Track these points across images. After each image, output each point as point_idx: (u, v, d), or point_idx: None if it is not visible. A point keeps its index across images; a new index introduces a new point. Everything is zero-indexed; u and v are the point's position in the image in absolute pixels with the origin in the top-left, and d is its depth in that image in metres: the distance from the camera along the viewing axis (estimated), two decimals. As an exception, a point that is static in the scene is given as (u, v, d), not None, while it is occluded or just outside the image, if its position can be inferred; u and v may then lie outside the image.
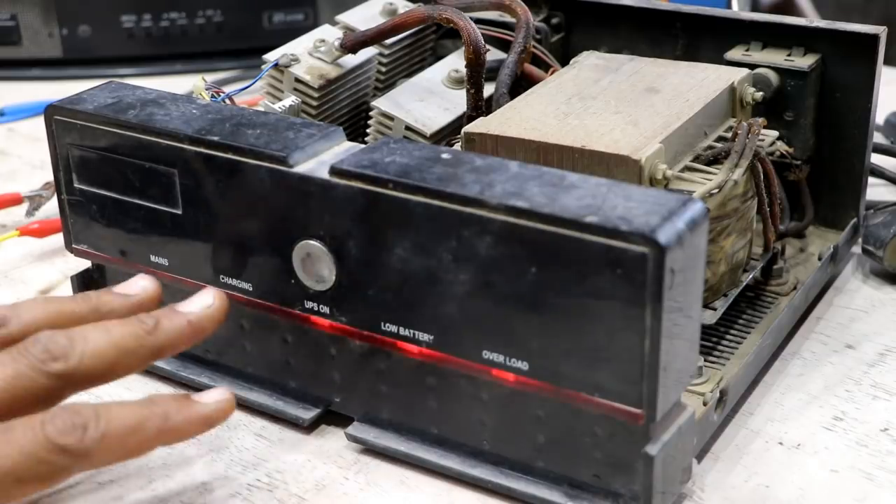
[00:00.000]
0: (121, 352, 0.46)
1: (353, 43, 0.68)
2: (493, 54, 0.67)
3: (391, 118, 0.66)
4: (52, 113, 0.58)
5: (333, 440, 0.56)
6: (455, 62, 0.70)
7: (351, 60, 0.69)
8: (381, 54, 0.71)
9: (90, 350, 0.45)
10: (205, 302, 0.50)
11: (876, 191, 0.79)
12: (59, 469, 0.43)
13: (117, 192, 0.58)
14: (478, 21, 0.66)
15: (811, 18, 0.85)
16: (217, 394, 0.48)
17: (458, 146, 0.59)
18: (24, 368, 0.44)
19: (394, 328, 0.51)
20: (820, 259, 0.67)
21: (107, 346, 0.46)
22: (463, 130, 0.58)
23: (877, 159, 0.78)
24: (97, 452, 0.43)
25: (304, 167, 0.52)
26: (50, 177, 0.69)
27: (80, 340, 0.45)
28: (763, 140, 0.61)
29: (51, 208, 0.78)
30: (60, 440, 0.42)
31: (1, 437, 0.42)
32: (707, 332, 0.60)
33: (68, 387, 0.45)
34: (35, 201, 0.78)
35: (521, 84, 0.65)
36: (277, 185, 0.52)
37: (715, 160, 0.58)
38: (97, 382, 0.46)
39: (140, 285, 0.51)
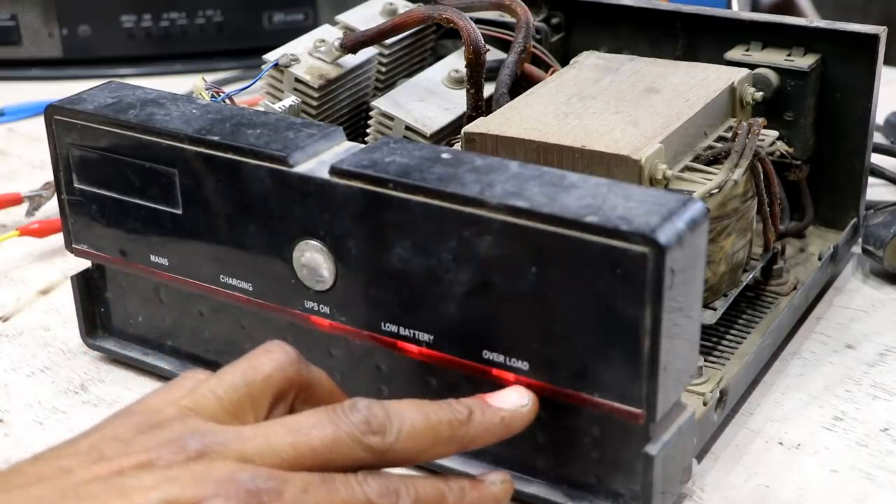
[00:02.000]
0: (434, 439, 0.46)
1: (353, 43, 0.68)
2: (493, 54, 0.67)
3: (391, 118, 0.66)
4: (52, 113, 0.58)
5: (333, 440, 0.56)
6: (455, 62, 0.70)
7: (351, 60, 0.69)
8: (381, 54, 0.71)
9: (406, 431, 0.45)
10: (519, 401, 0.49)
11: (876, 191, 0.79)
12: None
13: (117, 192, 0.58)
14: (478, 21, 0.66)
15: (811, 18, 0.85)
16: (501, 476, 0.48)
17: (458, 146, 0.59)
18: (343, 435, 0.44)
19: (394, 328, 0.51)
20: (820, 259, 0.67)
21: (423, 429, 0.46)
22: (463, 130, 0.58)
23: (877, 159, 0.78)
24: None
25: (304, 167, 0.52)
26: (50, 177, 0.69)
27: (398, 418, 0.45)
28: (763, 140, 0.61)
29: (51, 208, 0.78)
30: (377, 500, 0.44)
31: (323, 487, 0.43)
32: (707, 332, 0.60)
33: (378, 463, 0.45)
34: (35, 201, 0.79)
35: (521, 84, 0.65)
36: (277, 185, 0.52)
37: (715, 160, 0.58)
38: (404, 464, 0.46)
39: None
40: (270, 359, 0.47)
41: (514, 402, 0.48)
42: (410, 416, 0.46)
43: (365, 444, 0.44)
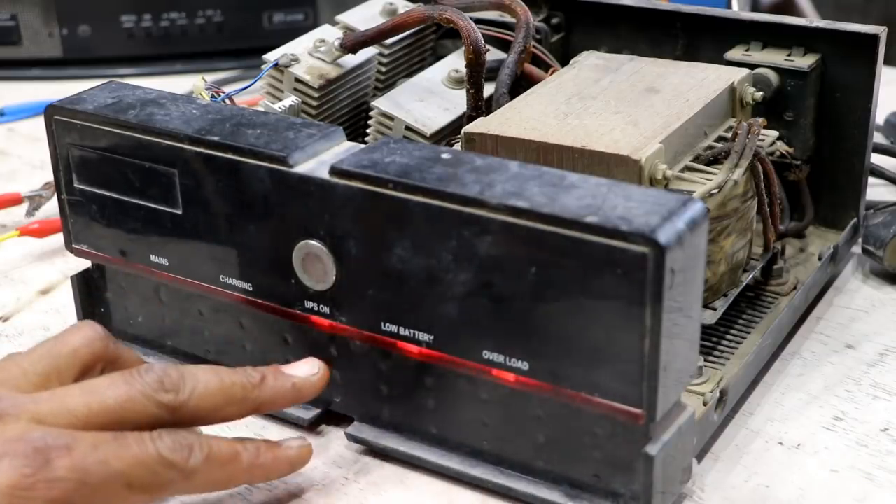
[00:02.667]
0: (227, 398, 0.49)
1: (353, 43, 0.68)
2: (493, 54, 0.67)
3: (391, 118, 0.66)
4: (52, 113, 0.58)
5: (333, 440, 0.56)
6: (455, 62, 0.70)
7: (351, 60, 0.69)
8: (381, 54, 0.71)
9: (200, 390, 0.48)
10: (311, 370, 0.52)
11: (876, 191, 0.79)
12: (163, 483, 0.46)
13: (117, 192, 0.58)
14: (478, 21, 0.66)
15: (811, 18, 0.85)
16: (300, 441, 0.52)
17: (458, 146, 0.59)
18: (136, 393, 0.46)
19: (394, 328, 0.51)
20: (820, 259, 0.67)
21: (216, 389, 0.48)
22: (463, 130, 0.58)
23: (877, 159, 0.78)
24: (198, 474, 0.46)
25: (304, 167, 0.52)
26: (50, 177, 0.69)
27: (191, 378, 0.48)
28: (763, 140, 0.61)
29: (51, 208, 0.78)
30: (169, 455, 0.45)
31: (114, 443, 0.45)
32: (707, 332, 0.60)
33: (172, 421, 0.47)
34: (35, 201, 0.78)
35: (521, 84, 0.65)
36: (277, 186, 0.52)
37: (715, 160, 0.58)
38: (198, 423, 0.48)
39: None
40: (79, 334, 0.50)
41: (305, 371, 0.52)
42: (205, 377, 0.48)
43: (157, 401, 0.47)
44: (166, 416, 0.47)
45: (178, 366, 0.48)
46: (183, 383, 0.48)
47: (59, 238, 0.66)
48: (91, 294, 0.63)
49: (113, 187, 0.58)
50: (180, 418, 0.47)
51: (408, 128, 0.66)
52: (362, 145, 0.53)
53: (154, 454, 0.45)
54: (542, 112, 0.59)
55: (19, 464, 0.42)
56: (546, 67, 0.68)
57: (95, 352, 0.49)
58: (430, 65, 0.73)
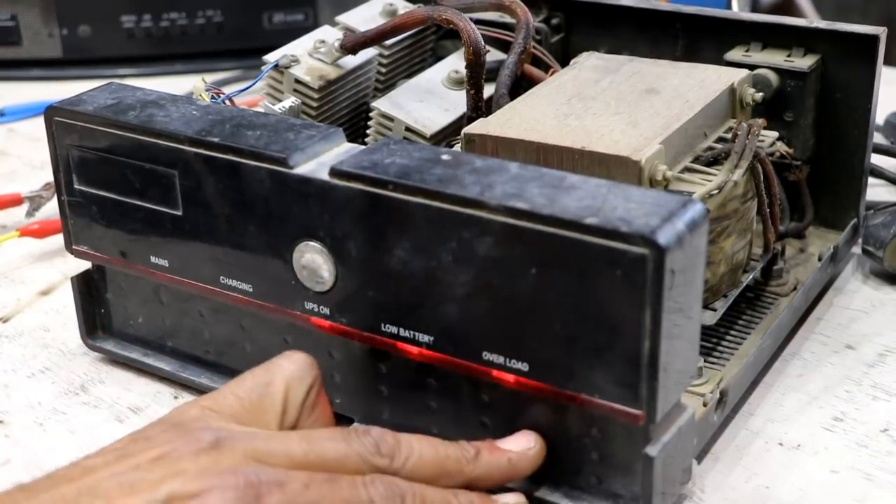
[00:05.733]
0: (440, 471, 0.48)
1: (353, 44, 0.68)
2: (493, 55, 0.67)
3: (391, 119, 0.66)
4: (53, 114, 0.58)
5: (334, 441, 0.56)
6: (455, 63, 0.70)
7: (351, 61, 0.69)
8: (381, 55, 0.71)
9: (414, 459, 0.47)
10: (526, 444, 0.50)
11: (876, 191, 0.79)
12: None
13: (117, 193, 0.58)
14: (478, 22, 0.66)
15: (811, 19, 0.85)
16: (516, 497, 0.50)
17: (457, 147, 0.59)
18: (353, 453, 0.46)
19: (394, 329, 0.51)
20: (820, 259, 0.67)
21: (430, 461, 0.47)
22: (463, 131, 0.58)
23: (877, 159, 0.78)
24: None
25: (304, 168, 0.52)
26: (50, 177, 0.69)
27: (407, 446, 0.47)
28: (763, 140, 0.61)
29: (51, 209, 0.78)
30: (380, 502, 0.44)
31: (327, 484, 0.44)
32: (707, 332, 0.60)
33: None
34: (35, 202, 0.79)
35: (521, 85, 0.65)
36: (277, 187, 0.52)
37: (715, 161, 0.58)
38: None
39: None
40: (292, 366, 0.49)
41: (521, 445, 0.50)
42: (420, 446, 0.48)
43: (373, 465, 0.46)
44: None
45: (396, 433, 0.47)
46: (399, 450, 0.47)
47: (59, 239, 0.66)
48: (91, 295, 0.63)
49: (113, 188, 0.58)
50: None
51: (408, 129, 0.66)
52: (362, 146, 0.53)
53: (366, 499, 0.44)
54: (541, 113, 0.59)
55: (230, 496, 0.41)
56: (546, 68, 0.68)
57: (307, 383, 0.49)
58: (430, 65, 0.73)
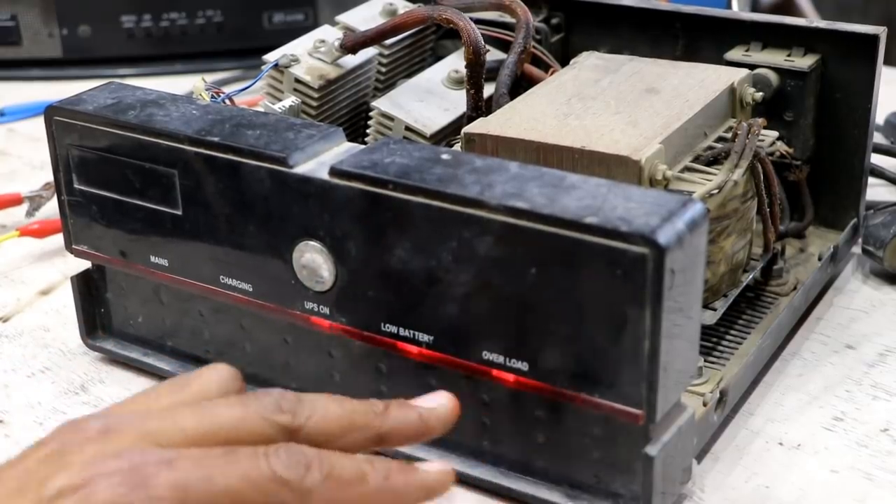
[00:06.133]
0: (347, 424, 0.45)
1: (353, 43, 0.68)
2: (493, 55, 0.67)
3: (391, 118, 0.66)
4: (52, 113, 0.58)
5: (333, 441, 0.56)
6: (455, 62, 0.70)
7: (351, 61, 0.69)
8: (381, 55, 0.71)
9: (319, 413, 0.45)
10: (439, 401, 0.48)
11: (876, 191, 0.79)
12: (273, 501, 0.42)
13: (117, 192, 0.58)
14: (478, 21, 0.66)
15: (811, 18, 0.85)
16: (440, 465, 0.46)
17: (457, 147, 0.59)
18: (251, 413, 0.43)
19: (394, 329, 0.51)
20: (820, 259, 0.67)
21: (336, 415, 0.45)
22: (463, 131, 0.58)
23: (877, 159, 0.78)
24: (315, 495, 0.42)
25: (304, 168, 0.52)
26: (50, 177, 0.69)
27: (310, 403, 0.45)
28: (763, 140, 0.61)
29: (51, 208, 0.78)
30: (283, 473, 0.41)
31: (224, 459, 0.41)
32: (707, 332, 0.60)
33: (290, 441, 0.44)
34: (35, 201, 0.79)
35: (521, 84, 0.65)
36: (277, 186, 0.52)
37: (715, 160, 0.58)
38: (318, 447, 0.44)
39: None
40: (212, 370, 0.47)
41: (433, 401, 0.48)
42: (324, 401, 0.45)
43: (273, 422, 0.43)
44: (282, 439, 0.43)
45: (299, 393, 0.45)
46: (301, 406, 0.44)
47: (59, 238, 0.66)
48: (91, 294, 0.63)
49: (113, 188, 0.58)
50: (298, 441, 0.44)
51: (408, 128, 0.66)
52: (362, 146, 0.53)
53: (265, 470, 0.41)
54: (541, 112, 0.59)
55: (115, 482, 0.39)
56: (546, 68, 0.68)
57: (226, 392, 0.46)
58: (430, 65, 0.73)
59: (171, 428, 0.42)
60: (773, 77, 0.67)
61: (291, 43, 0.70)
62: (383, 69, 0.72)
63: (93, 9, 1.09)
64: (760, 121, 0.60)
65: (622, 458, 0.49)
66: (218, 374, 0.46)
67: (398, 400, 0.47)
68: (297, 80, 0.67)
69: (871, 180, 0.73)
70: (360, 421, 0.45)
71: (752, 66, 0.67)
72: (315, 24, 1.07)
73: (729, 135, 0.61)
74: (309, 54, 0.69)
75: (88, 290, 0.63)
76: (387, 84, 0.73)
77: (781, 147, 0.64)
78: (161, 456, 0.41)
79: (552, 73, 0.66)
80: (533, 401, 0.50)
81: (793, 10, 1.61)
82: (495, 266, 0.47)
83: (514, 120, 0.58)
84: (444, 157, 0.50)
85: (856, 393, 0.60)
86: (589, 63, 0.66)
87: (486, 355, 0.49)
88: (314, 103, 0.67)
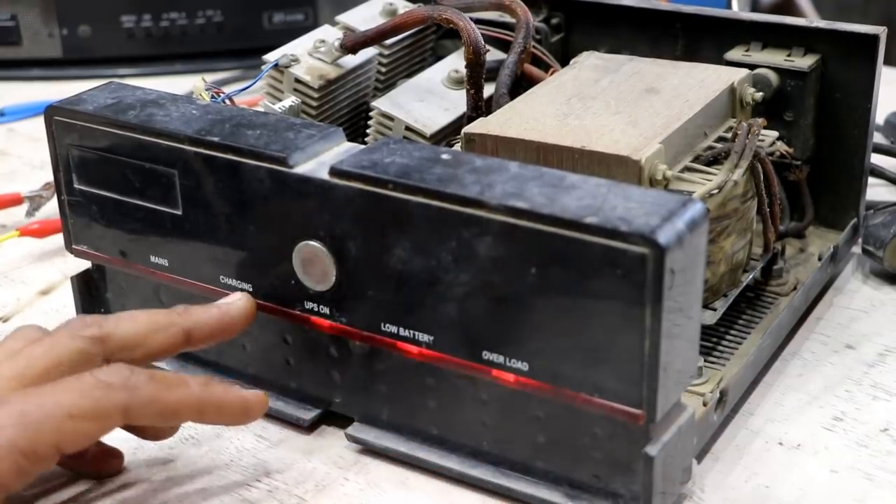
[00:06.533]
0: (152, 326, 0.50)
1: (353, 43, 0.68)
2: (493, 55, 0.67)
3: (391, 118, 0.66)
4: (52, 113, 0.58)
5: (333, 440, 0.56)
6: (455, 62, 0.70)
7: (351, 61, 0.69)
8: (381, 55, 0.71)
9: (124, 319, 0.50)
10: (234, 297, 0.54)
11: (876, 191, 0.79)
12: (107, 407, 0.46)
13: (117, 192, 0.58)
14: (478, 21, 0.66)
15: (811, 18, 0.85)
16: (254, 389, 0.52)
17: (457, 146, 0.59)
18: (60, 338, 0.48)
19: (394, 328, 0.51)
20: (820, 259, 0.67)
21: (141, 321, 0.50)
22: (463, 131, 0.58)
23: (877, 159, 0.78)
24: (142, 392, 0.46)
25: (304, 168, 0.52)
26: (50, 177, 0.69)
27: (114, 317, 0.50)
28: (763, 140, 0.61)
29: (51, 208, 0.78)
30: (106, 377, 0.46)
31: (50, 385, 0.46)
32: (707, 332, 0.60)
33: (104, 356, 0.49)
34: (35, 201, 0.78)
35: (521, 84, 0.65)
36: (277, 186, 0.52)
37: (715, 160, 0.58)
38: (131, 354, 0.50)
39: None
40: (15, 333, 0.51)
41: (230, 298, 0.54)
42: (128, 313, 0.51)
43: (82, 336, 0.48)
44: (95, 349, 0.48)
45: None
46: (105, 319, 0.49)
47: (59, 238, 0.66)
48: (91, 294, 0.63)
49: (113, 188, 0.58)
50: (111, 351, 0.49)
51: (408, 128, 0.66)
52: (362, 146, 0.53)
53: (91, 379, 0.46)
54: (541, 112, 0.59)
55: None
56: (546, 68, 0.68)
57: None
58: (430, 65, 0.73)
59: None
60: (773, 77, 0.67)
61: (291, 43, 0.70)
62: (383, 69, 0.72)
63: (93, 9, 1.09)
64: (760, 121, 0.60)
65: (622, 458, 0.49)
66: (21, 332, 0.51)
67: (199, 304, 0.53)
68: (297, 80, 0.67)
69: (871, 180, 0.73)
70: (164, 321, 0.51)
71: (752, 66, 0.66)
72: (315, 24, 1.07)
73: (729, 135, 0.61)
74: (309, 54, 0.69)
75: (88, 290, 0.63)
76: (387, 84, 0.73)
77: (781, 147, 0.64)
78: None
79: (552, 73, 0.66)
80: (533, 401, 0.50)
81: (793, 10, 1.62)
82: (495, 266, 0.47)
83: (514, 120, 0.58)
84: (444, 157, 0.50)
85: (856, 393, 0.60)
86: (589, 63, 0.66)
87: (486, 355, 0.49)
88: (314, 103, 0.67)
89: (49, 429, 0.44)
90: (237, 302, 0.54)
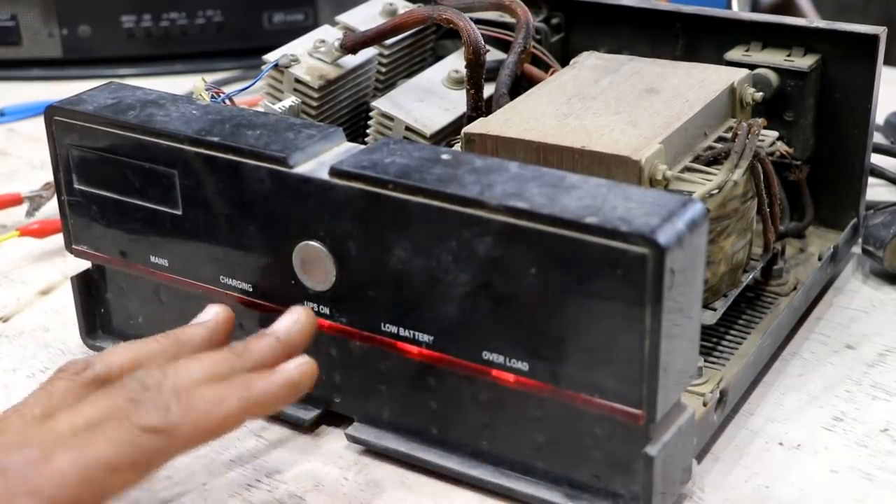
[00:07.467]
0: (215, 379, 0.47)
1: (353, 43, 0.68)
2: (493, 55, 0.67)
3: (391, 118, 0.66)
4: (52, 113, 0.58)
5: (333, 440, 0.56)
6: (455, 62, 0.70)
7: (351, 61, 0.69)
8: (381, 55, 0.71)
9: (182, 374, 0.46)
10: (292, 318, 0.51)
11: (876, 191, 0.79)
12: (152, 452, 0.43)
13: (117, 192, 0.58)
14: (478, 21, 0.66)
15: (811, 18, 0.85)
16: (300, 359, 0.49)
17: (457, 147, 0.59)
18: (117, 402, 0.44)
19: (394, 328, 0.51)
20: (820, 259, 0.67)
21: (201, 375, 0.46)
22: (463, 131, 0.58)
23: (877, 159, 0.78)
24: (183, 427, 0.44)
25: (304, 168, 0.52)
26: (50, 177, 0.69)
27: (173, 372, 0.46)
28: (763, 140, 0.61)
29: (51, 208, 0.78)
30: (146, 421, 0.43)
31: (91, 435, 0.43)
32: (707, 332, 0.60)
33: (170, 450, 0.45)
34: (35, 201, 0.78)
35: (521, 84, 0.65)
36: (277, 186, 0.52)
37: (715, 160, 0.58)
38: (197, 417, 0.45)
39: (213, 311, 0.53)
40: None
41: (288, 320, 0.51)
42: (187, 365, 0.47)
43: (144, 425, 0.44)
44: (159, 444, 0.44)
45: (162, 366, 0.46)
46: (164, 378, 0.45)
47: (59, 238, 0.66)
48: (91, 294, 0.63)
49: (113, 188, 0.58)
50: (176, 429, 0.44)
51: (408, 128, 0.66)
52: (362, 146, 0.53)
53: (130, 427, 0.43)
54: (541, 112, 0.59)
55: None
56: (546, 68, 0.68)
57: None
58: (430, 65, 0.73)
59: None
60: (773, 77, 0.67)
61: (291, 43, 0.70)
62: (383, 69, 0.72)
63: (93, 9, 1.09)
64: (760, 121, 0.60)
65: (622, 458, 0.49)
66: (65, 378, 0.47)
67: (257, 333, 0.50)
68: (297, 80, 0.67)
69: (871, 180, 0.73)
70: (226, 369, 0.47)
71: (752, 66, 0.66)
72: (315, 24, 1.07)
73: (729, 135, 0.61)
74: (309, 54, 0.69)
75: (88, 290, 0.63)
76: (387, 84, 0.73)
77: (781, 147, 0.64)
78: (31, 454, 0.42)
79: (552, 73, 0.66)
80: (533, 401, 0.50)
81: (793, 10, 1.61)
82: (495, 266, 0.47)
83: (514, 120, 0.58)
84: (444, 157, 0.50)
85: (856, 393, 0.60)
86: (589, 63, 0.66)
87: (486, 355, 0.49)
88: (314, 103, 0.67)
89: (91, 490, 0.42)
90: (296, 325, 0.51)
